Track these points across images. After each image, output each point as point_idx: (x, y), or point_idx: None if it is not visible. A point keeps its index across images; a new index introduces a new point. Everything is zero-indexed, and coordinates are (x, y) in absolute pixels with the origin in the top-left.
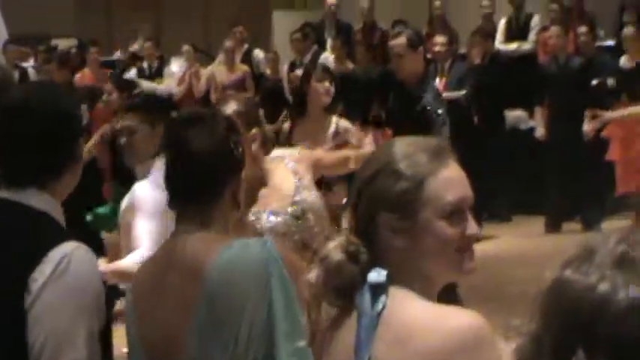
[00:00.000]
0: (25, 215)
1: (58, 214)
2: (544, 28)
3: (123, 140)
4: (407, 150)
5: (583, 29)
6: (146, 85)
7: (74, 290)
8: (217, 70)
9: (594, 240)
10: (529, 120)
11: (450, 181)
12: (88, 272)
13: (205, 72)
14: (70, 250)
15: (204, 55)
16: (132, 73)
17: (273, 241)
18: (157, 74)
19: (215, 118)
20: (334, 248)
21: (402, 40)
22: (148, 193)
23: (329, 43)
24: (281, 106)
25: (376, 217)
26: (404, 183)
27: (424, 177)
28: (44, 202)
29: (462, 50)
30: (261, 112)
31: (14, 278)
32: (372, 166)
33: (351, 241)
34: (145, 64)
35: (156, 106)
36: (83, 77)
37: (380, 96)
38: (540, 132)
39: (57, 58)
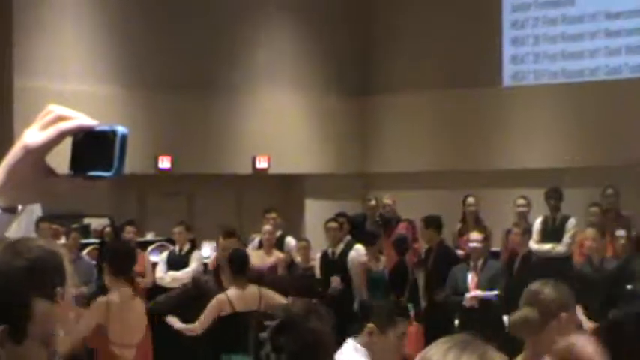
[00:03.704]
0: None
1: None
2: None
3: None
4: None
5: (620, 232)
6: (170, 274)
7: None
8: (254, 254)
9: None
10: None
11: None
12: None
13: None
14: None
15: (236, 240)
16: (163, 256)
17: None
18: (186, 257)
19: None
20: None
21: None
22: None
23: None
24: (312, 295)
25: None
26: None
27: None
28: None
29: (495, 248)
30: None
31: None
32: None
33: None
34: (177, 247)
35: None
36: None
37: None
38: None
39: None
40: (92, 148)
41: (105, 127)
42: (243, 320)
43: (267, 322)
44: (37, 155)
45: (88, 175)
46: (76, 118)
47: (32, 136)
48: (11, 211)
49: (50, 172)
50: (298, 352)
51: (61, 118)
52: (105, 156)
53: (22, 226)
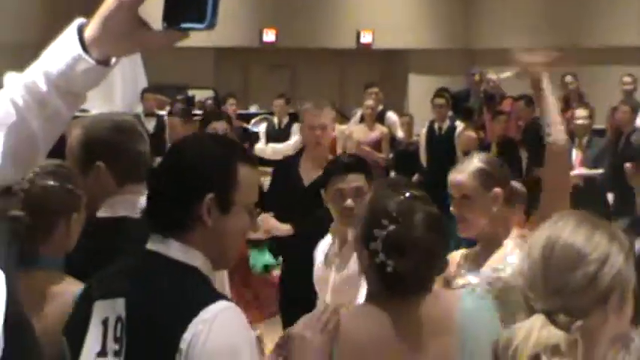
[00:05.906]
0: (176, 270)
1: (205, 268)
2: None
3: None
4: None
5: None
6: (271, 146)
7: (224, 351)
8: (356, 128)
9: None
10: None
11: None
12: (236, 333)
13: (341, 129)
14: (220, 309)
15: (339, 115)
16: (261, 127)
17: None
18: (286, 130)
19: None
20: None
21: None
22: None
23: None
24: (414, 170)
25: None
26: None
27: None
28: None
29: (598, 125)
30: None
31: (166, 338)
32: None
33: None
34: (276, 120)
35: None
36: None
37: None
38: None
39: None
40: (185, 0)
41: None
42: None
43: None
44: (130, 6)
45: (181, 27)
46: None
47: None
48: (105, 63)
49: (143, 24)
50: None
51: None
52: (198, 8)
53: (127, 94)
